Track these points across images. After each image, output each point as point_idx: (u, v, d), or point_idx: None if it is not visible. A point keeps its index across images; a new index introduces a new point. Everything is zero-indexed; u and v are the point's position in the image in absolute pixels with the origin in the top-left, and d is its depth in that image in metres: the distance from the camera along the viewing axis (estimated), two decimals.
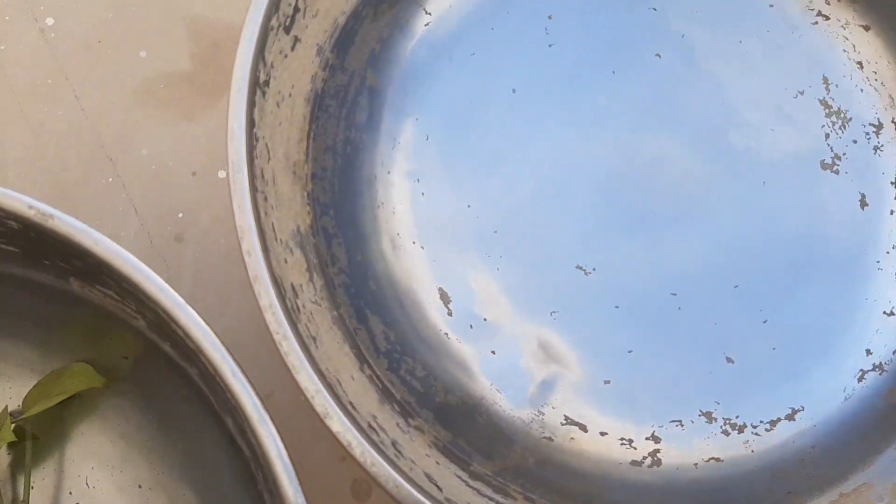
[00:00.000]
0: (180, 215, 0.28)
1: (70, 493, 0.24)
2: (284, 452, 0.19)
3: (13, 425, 0.23)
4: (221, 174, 0.29)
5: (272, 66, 0.23)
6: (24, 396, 0.24)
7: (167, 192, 0.29)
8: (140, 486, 0.24)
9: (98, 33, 0.30)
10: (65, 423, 0.24)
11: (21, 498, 0.24)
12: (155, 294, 0.19)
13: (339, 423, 0.19)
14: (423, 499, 0.19)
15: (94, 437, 0.24)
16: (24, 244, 0.22)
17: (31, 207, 0.20)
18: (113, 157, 0.29)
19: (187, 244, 0.28)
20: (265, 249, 0.21)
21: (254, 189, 0.22)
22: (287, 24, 0.23)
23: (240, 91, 0.22)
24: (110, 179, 0.29)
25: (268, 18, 0.22)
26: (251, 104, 0.22)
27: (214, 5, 0.31)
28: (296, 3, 0.24)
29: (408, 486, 0.19)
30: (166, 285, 0.20)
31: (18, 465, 0.24)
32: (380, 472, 0.19)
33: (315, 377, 0.19)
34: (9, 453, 0.24)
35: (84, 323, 0.24)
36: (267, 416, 0.19)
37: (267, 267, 0.20)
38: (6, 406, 0.24)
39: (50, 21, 0.31)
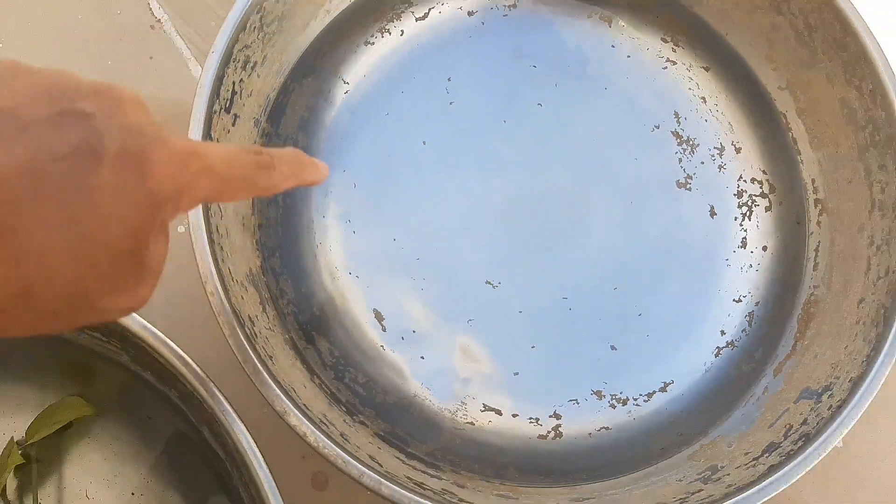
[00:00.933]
0: None
1: None
2: (256, 447, 0.24)
3: (20, 452, 0.27)
4: (181, 229, 0.34)
5: (218, 141, 0.29)
6: (26, 428, 0.28)
7: None
8: (133, 494, 0.28)
9: None
10: (63, 448, 0.29)
11: None
12: (141, 333, 0.24)
13: (295, 419, 0.24)
14: (367, 471, 0.24)
15: (90, 456, 0.29)
16: None
17: None
18: None
19: (156, 290, 0.33)
20: (225, 289, 0.26)
21: (211, 242, 0.27)
22: (227, 105, 0.29)
23: None
24: None
25: (211, 104, 0.28)
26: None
27: (164, 83, 0.36)
28: (233, 88, 0.29)
29: (354, 461, 0.24)
30: (150, 325, 0.25)
31: (25, 487, 0.28)
32: (330, 452, 0.24)
33: (273, 386, 0.25)
34: (16, 477, 0.28)
35: (75, 362, 0.29)
36: (241, 422, 0.24)
37: (227, 303, 0.26)
38: (12, 437, 0.28)
39: None
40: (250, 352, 0.25)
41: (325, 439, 0.24)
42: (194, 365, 0.24)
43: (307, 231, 0.32)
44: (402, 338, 0.32)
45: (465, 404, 0.31)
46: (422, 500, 0.24)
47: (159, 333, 0.24)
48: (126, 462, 0.28)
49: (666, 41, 0.36)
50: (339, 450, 0.24)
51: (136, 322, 0.25)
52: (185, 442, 0.28)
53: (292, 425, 0.24)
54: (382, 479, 0.24)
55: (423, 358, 0.31)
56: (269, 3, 0.30)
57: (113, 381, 0.29)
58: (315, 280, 0.32)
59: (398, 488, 0.24)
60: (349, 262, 0.32)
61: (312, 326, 0.31)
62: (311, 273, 0.32)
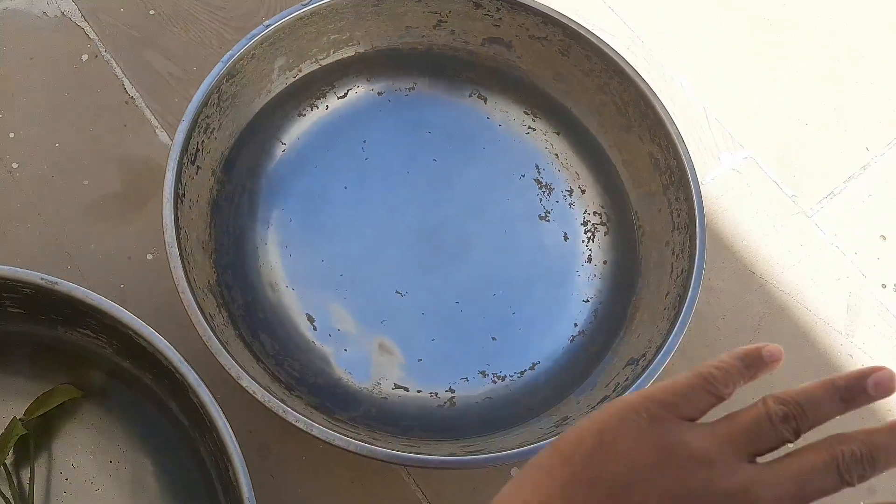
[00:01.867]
0: (122, 286, 0.41)
1: (61, 472, 0.35)
2: (220, 409, 0.31)
3: (22, 424, 0.34)
4: (149, 256, 0.42)
5: (185, 185, 0.38)
6: (25, 409, 0.35)
7: (112, 272, 0.41)
8: (111, 462, 0.35)
9: (52, 171, 0.44)
10: (54, 428, 0.35)
11: (28, 478, 0.34)
12: (132, 324, 0.32)
13: (246, 381, 0.33)
14: (302, 417, 0.32)
15: (76, 433, 0.35)
16: (29, 306, 0.35)
17: (42, 278, 0.33)
18: (70, 253, 0.42)
19: (129, 304, 0.41)
20: (192, 290, 0.35)
21: (182, 257, 0.35)
22: (192, 159, 0.38)
23: (168, 201, 0.36)
24: (69, 268, 0.41)
25: (182, 156, 0.37)
26: (176, 208, 0.36)
27: (137, 146, 0.45)
28: (197, 146, 0.39)
29: (292, 410, 0.32)
30: (137, 318, 0.33)
31: (22, 462, 0.35)
32: (273, 405, 0.32)
33: (230, 358, 0.33)
34: (14, 452, 0.35)
35: (66, 355, 0.36)
36: (206, 388, 0.32)
37: (194, 300, 0.34)
38: (14, 416, 0.35)
39: (15, 165, 0.44)
40: (211, 333, 0.33)
41: (270, 396, 0.33)
42: (170, 345, 0.32)
43: (252, 254, 0.41)
44: (330, 335, 0.40)
45: (380, 384, 0.40)
46: (345, 437, 0.33)
47: (144, 324, 0.32)
48: (106, 436, 0.35)
49: (527, 113, 0.48)
50: (279, 402, 0.33)
51: (126, 315, 0.33)
52: (155, 415, 0.36)
53: (245, 386, 0.33)
54: (313, 423, 0.33)
55: (346, 350, 0.40)
56: (224, 85, 0.40)
57: (97, 371, 0.36)
58: (259, 291, 0.40)
59: (325, 428, 0.33)
60: (286, 278, 0.41)
61: (258, 326, 0.39)
62: (255, 286, 0.40)
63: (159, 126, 0.45)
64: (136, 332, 0.33)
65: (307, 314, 0.41)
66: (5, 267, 0.33)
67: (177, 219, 0.36)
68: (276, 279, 0.41)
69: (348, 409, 0.38)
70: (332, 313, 0.41)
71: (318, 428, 0.33)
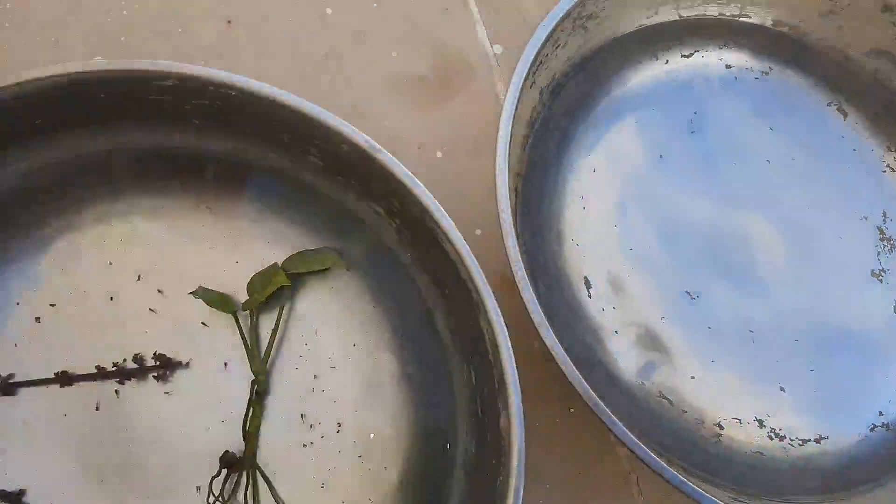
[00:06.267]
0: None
1: (302, 335, 0.32)
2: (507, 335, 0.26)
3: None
4: (438, 154, 0.38)
5: (519, 101, 0.32)
6: (284, 260, 0.32)
7: (396, 157, 0.37)
8: (354, 345, 0.31)
9: (364, 26, 0.40)
10: (308, 289, 0.32)
11: (271, 330, 0.31)
12: (447, 229, 0.28)
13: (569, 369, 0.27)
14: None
15: (326, 303, 0.32)
16: (330, 161, 0.31)
17: (366, 141, 0.29)
18: (366, 115, 0.38)
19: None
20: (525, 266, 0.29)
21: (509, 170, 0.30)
22: (535, 70, 0.33)
23: (507, 119, 0.30)
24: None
25: (537, 57, 0.32)
26: (511, 123, 0.31)
27: (453, 35, 0.41)
28: (538, 62, 0.33)
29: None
30: (453, 226, 0.28)
31: (270, 309, 0.32)
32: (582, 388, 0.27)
33: (552, 335, 0.28)
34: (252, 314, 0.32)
35: (338, 219, 0.32)
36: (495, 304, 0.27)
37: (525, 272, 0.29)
38: (276, 262, 0.32)
39: (329, 10, 0.40)
40: (537, 305, 0.28)
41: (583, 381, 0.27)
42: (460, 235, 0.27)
43: (549, 197, 0.36)
44: (602, 309, 0.35)
45: (644, 385, 0.34)
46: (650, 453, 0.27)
47: (458, 235, 0.27)
48: (355, 316, 0.32)
49: (891, 150, 0.40)
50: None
51: (444, 219, 0.28)
52: (411, 310, 0.31)
53: (565, 371, 0.27)
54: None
55: (616, 332, 0.34)
56: (590, 3, 0.34)
57: (366, 246, 0.32)
58: (546, 241, 0.35)
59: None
60: (574, 230, 0.36)
61: (540, 278, 0.34)
62: (544, 233, 0.35)
63: (479, 21, 0.41)
64: (445, 234, 0.28)
65: (585, 277, 0.35)
66: (338, 120, 0.28)
67: (508, 134, 0.31)
68: (565, 228, 0.36)
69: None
70: (610, 284, 0.35)
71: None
